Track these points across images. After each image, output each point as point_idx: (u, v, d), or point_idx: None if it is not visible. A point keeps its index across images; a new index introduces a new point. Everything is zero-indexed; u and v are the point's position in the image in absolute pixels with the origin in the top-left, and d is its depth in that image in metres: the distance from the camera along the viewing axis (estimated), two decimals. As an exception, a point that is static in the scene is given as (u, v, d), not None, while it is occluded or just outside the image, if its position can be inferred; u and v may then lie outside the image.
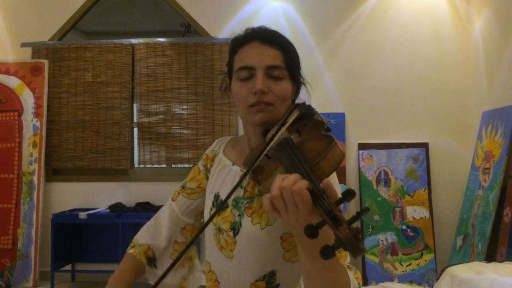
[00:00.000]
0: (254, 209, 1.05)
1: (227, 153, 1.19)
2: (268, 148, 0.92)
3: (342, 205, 1.00)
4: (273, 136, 0.93)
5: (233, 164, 1.14)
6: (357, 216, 0.69)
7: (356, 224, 0.74)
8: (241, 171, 1.10)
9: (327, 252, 0.67)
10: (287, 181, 0.76)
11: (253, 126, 1.07)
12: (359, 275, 0.91)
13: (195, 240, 0.96)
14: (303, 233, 0.69)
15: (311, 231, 0.68)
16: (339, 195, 0.74)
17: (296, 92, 1.10)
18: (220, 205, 0.96)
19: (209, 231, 1.11)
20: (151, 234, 1.25)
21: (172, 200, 1.26)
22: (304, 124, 0.95)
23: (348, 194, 0.71)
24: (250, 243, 1.03)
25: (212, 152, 1.23)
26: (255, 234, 1.03)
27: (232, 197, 1.08)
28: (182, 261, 1.25)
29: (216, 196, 1.13)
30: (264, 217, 1.03)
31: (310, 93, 1.12)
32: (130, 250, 1.24)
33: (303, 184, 0.74)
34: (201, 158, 1.26)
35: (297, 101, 1.12)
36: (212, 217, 0.92)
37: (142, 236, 1.26)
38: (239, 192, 1.08)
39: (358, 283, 0.88)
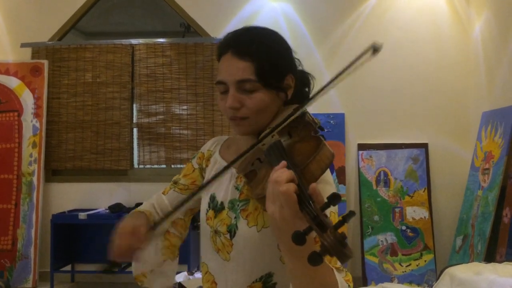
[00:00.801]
0: (249, 211, 1.04)
1: (223, 154, 1.18)
2: (255, 147, 0.92)
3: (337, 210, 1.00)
4: (263, 137, 0.93)
5: None
6: (343, 221, 0.68)
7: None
8: (237, 173, 1.09)
9: (315, 259, 0.67)
10: (281, 177, 0.76)
11: None
12: (350, 277, 0.90)
13: (182, 206, 1.00)
14: (289, 238, 0.69)
15: (299, 238, 0.68)
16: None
17: (285, 95, 1.06)
18: (202, 187, 0.99)
19: (206, 233, 1.11)
20: (151, 209, 1.23)
21: (163, 193, 1.24)
22: (295, 125, 0.94)
23: (333, 199, 0.70)
24: (247, 245, 1.03)
25: (208, 151, 1.22)
26: (252, 236, 1.03)
27: (228, 199, 1.08)
28: (167, 239, 1.20)
29: (212, 197, 1.13)
30: (259, 219, 1.03)
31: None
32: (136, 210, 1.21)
33: (291, 187, 0.74)
34: (195, 155, 1.25)
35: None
36: (201, 188, 0.93)
37: (143, 207, 1.24)
38: (235, 194, 1.08)
39: (348, 285, 0.87)
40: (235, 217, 1.06)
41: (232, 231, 1.05)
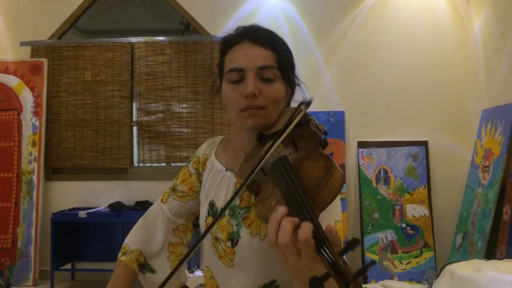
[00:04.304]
0: (252, 219, 1.02)
1: (219, 157, 1.15)
2: (262, 163, 0.86)
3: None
4: (269, 149, 0.87)
5: (226, 169, 1.11)
6: (363, 270, 0.65)
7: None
8: (235, 177, 1.07)
9: None
10: (284, 237, 0.70)
11: (246, 130, 1.04)
12: None
13: (194, 250, 0.90)
14: (305, 280, 0.67)
15: (316, 285, 0.65)
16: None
17: (291, 93, 1.06)
18: (217, 217, 0.94)
19: (207, 239, 1.09)
20: (142, 238, 1.21)
21: (162, 201, 1.21)
22: (300, 134, 0.89)
23: (352, 244, 0.67)
24: (250, 254, 1.01)
25: (204, 155, 1.18)
26: (255, 245, 1.01)
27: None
28: (172, 252, 1.22)
29: (211, 204, 1.10)
30: (262, 227, 1.01)
31: (306, 94, 1.07)
32: (122, 258, 1.19)
33: (309, 231, 0.69)
34: (191, 160, 1.21)
35: (293, 102, 1.08)
36: (209, 229, 0.88)
37: (133, 241, 1.21)
38: (235, 201, 1.04)
39: None
40: (237, 225, 1.03)
41: (234, 239, 1.03)
